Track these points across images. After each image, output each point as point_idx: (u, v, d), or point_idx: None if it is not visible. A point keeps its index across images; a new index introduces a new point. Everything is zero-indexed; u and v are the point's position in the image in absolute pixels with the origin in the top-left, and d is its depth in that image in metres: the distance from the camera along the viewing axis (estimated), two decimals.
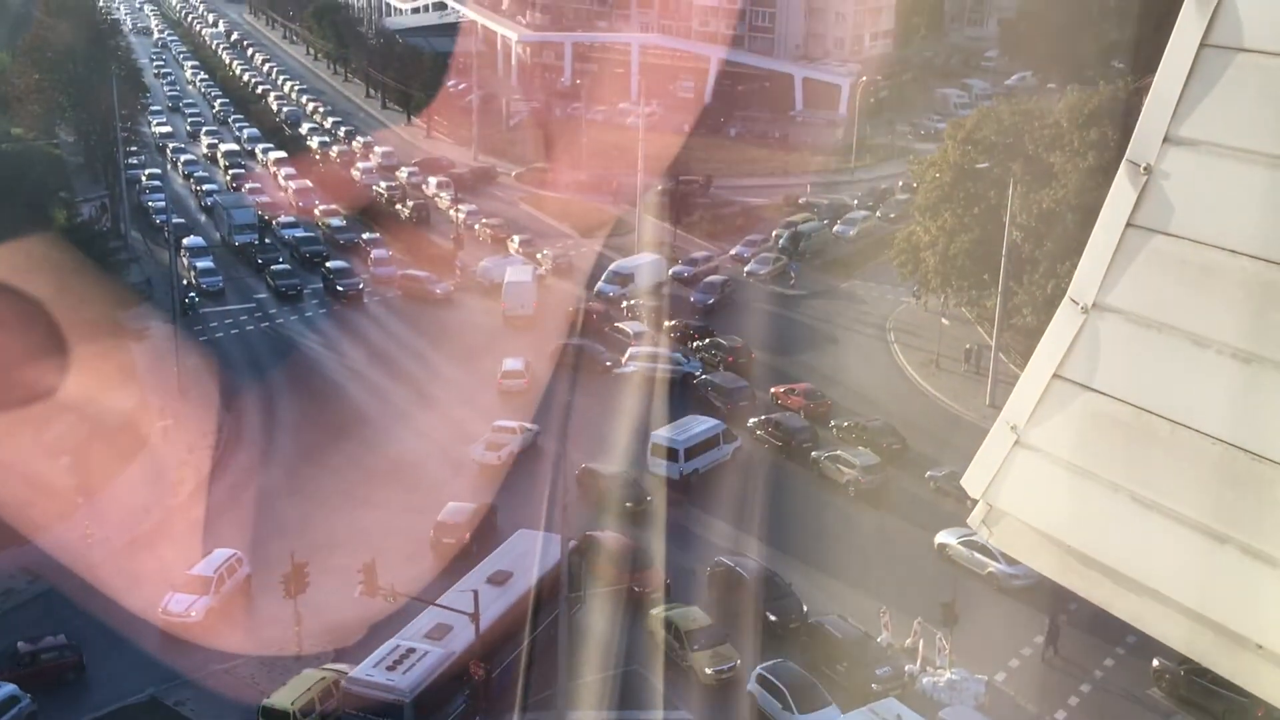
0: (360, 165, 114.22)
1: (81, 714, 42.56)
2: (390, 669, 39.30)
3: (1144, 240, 5.39)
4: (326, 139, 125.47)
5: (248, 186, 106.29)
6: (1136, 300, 5.39)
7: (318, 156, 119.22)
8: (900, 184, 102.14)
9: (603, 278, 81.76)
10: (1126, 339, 5.41)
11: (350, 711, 39.30)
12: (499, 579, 44.06)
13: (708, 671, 43.71)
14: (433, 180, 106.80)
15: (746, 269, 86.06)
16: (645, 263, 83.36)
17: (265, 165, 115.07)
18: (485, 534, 51.25)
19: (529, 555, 45.76)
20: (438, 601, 42.13)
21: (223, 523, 53.95)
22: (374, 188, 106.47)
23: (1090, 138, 63.67)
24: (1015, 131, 69.27)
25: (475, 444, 59.64)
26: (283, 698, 40.96)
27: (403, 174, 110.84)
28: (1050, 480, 5.59)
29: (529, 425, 61.35)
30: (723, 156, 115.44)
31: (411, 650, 40.06)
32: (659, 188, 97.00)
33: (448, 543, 51.35)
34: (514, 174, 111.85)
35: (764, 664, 43.12)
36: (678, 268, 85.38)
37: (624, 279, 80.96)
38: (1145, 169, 5.38)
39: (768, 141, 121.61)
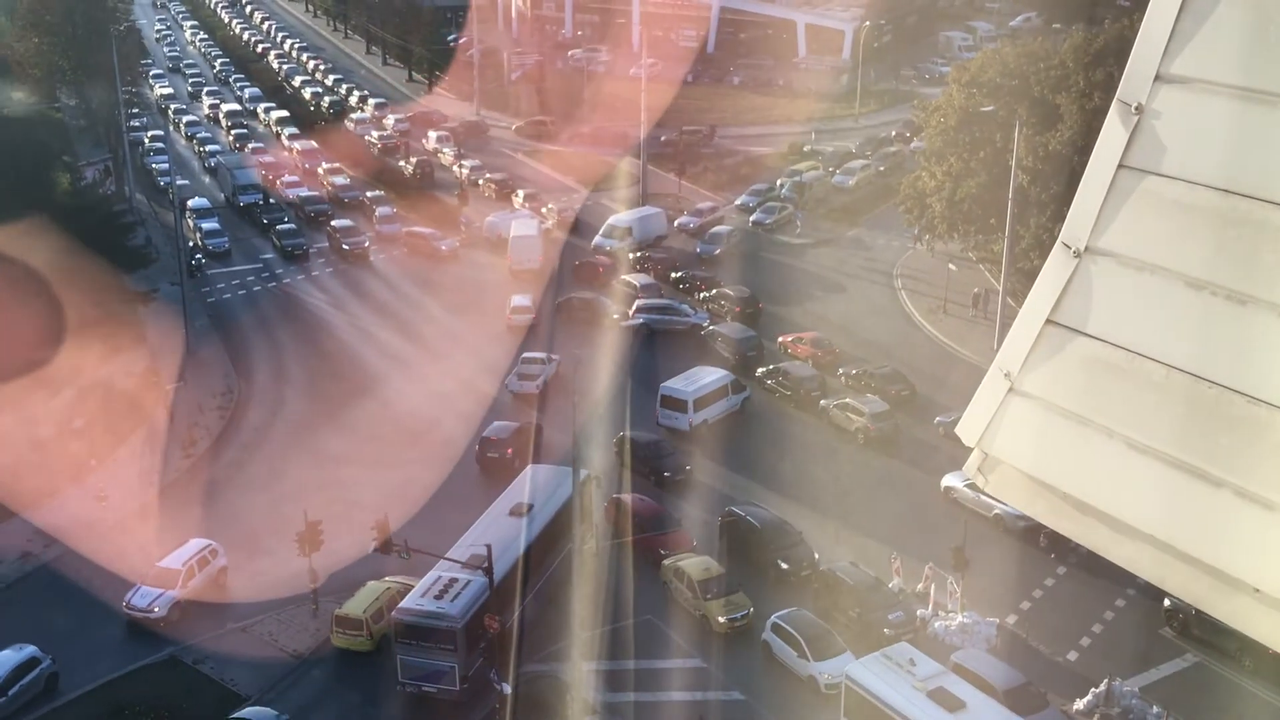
0: (354, 118, 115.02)
1: (102, 675, 42.90)
2: (438, 598, 40.71)
3: (1136, 181, 5.29)
4: (319, 90, 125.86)
5: (251, 146, 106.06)
6: (1129, 243, 5.30)
7: (312, 109, 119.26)
8: (894, 133, 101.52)
9: (600, 231, 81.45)
10: (1120, 282, 5.33)
11: (405, 641, 40.44)
12: (519, 511, 45.05)
13: (721, 620, 43.96)
14: (433, 135, 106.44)
15: (752, 218, 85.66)
16: (644, 215, 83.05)
17: (268, 125, 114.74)
18: (532, 450, 53.49)
19: (544, 489, 46.53)
20: (447, 555, 42.28)
21: (234, 485, 54.21)
22: (366, 138, 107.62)
23: (1096, 78, 63.04)
24: (1020, 73, 68.66)
25: (509, 375, 61.98)
26: (355, 606, 43.72)
27: (389, 121, 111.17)
28: (1044, 426, 5.53)
29: (552, 355, 63.45)
30: (726, 105, 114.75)
31: (455, 579, 41.27)
32: (663, 139, 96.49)
33: (492, 457, 54.02)
34: (514, 127, 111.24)
35: (779, 613, 43.36)
36: (683, 218, 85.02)
37: (622, 232, 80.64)
38: (1137, 108, 5.27)
39: (771, 89, 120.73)
